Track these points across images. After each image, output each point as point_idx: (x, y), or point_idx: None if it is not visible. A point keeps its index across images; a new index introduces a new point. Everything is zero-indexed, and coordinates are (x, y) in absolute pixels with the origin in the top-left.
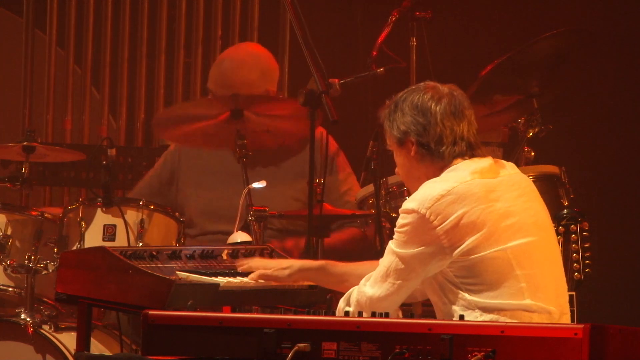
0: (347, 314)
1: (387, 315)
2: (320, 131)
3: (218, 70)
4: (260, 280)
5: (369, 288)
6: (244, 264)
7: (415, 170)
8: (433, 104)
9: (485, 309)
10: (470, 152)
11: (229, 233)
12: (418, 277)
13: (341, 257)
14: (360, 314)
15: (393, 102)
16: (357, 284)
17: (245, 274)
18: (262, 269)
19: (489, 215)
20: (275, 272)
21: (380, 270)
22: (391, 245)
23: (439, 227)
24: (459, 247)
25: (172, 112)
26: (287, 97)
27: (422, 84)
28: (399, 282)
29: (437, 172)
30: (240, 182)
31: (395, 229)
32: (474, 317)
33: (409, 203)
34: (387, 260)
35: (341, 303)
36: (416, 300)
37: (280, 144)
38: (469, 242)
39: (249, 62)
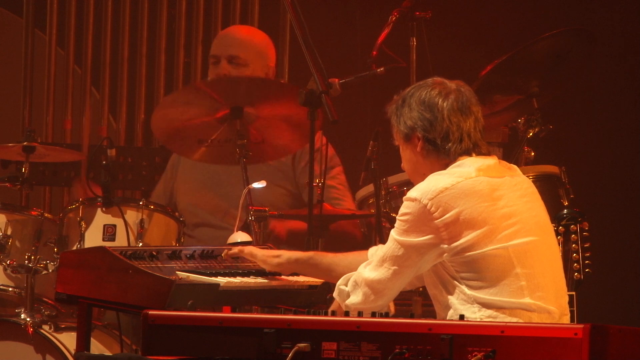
0: (347, 314)
1: (387, 315)
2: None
3: (223, 33)
4: (269, 277)
5: (367, 271)
6: (235, 250)
7: (420, 166)
8: (440, 100)
9: (485, 305)
10: (477, 149)
11: (215, 226)
12: (414, 266)
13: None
14: (360, 314)
15: (400, 97)
16: (345, 273)
17: (245, 273)
18: (251, 251)
19: (491, 213)
20: (264, 257)
21: (379, 255)
22: (392, 232)
23: (438, 220)
24: (457, 241)
25: (171, 107)
26: (287, 83)
27: (429, 79)
28: (394, 267)
29: (442, 169)
30: (228, 176)
31: (397, 217)
32: (472, 311)
33: (412, 192)
34: (387, 245)
35: (340, 280)
36: (405, 288)
37: (277, 157)
38: (468, 238)
39: (254, 31)
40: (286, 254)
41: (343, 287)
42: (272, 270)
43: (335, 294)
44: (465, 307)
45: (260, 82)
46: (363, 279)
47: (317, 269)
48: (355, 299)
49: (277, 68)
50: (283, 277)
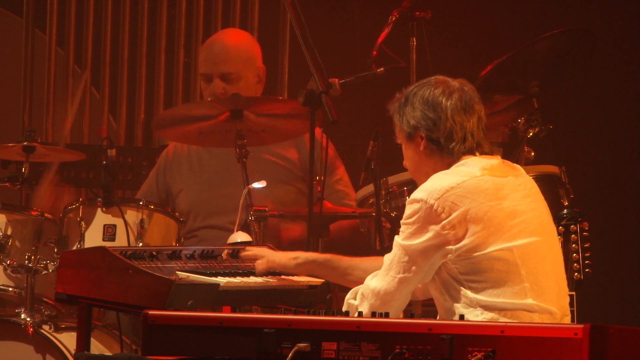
0: (347, 313)
1: (387, 315)
2: (320, 132)
3: (209, 49)
4: (269, 277)
5: (373, 281)
6: (250, 251)
7: (423, 165)
8: (444, 99)
9: (487, 308)
10: (480, 148)
11: (218, 227)
12: (420, 271)
13: (340, 250)
14: (360, 314)
15: (403, 96)
16: (361, 278)
17: (245, 273)
18: (269, 257)
19: (496, 212)
20: (283, 261)
21: (385, 263)
22: (397, 238)
23: (445, 221)
24: (463, 241)
25: (172, 113)
26: (287, 98)
27: (432, 78)
28: (400, 275)
29: (446, 168)
30: (228, 173)
31: (401, 221)
32: (474, 315)
33: (417, 193)
34: (392, 253)
35: (349, 294)
36: (417, 299)
37: (277, 141)
38: (473, 237)
39: (237, 37)
40: (303, 255)
41: (352, 301)
42: (291, 272)
43: (344, 308)
44: (467, 310)
45: (260, 99)
46: (370, 290)
47: (335, 271)
48: (362, 311)
49: (275, 65)
50: (283, 277)
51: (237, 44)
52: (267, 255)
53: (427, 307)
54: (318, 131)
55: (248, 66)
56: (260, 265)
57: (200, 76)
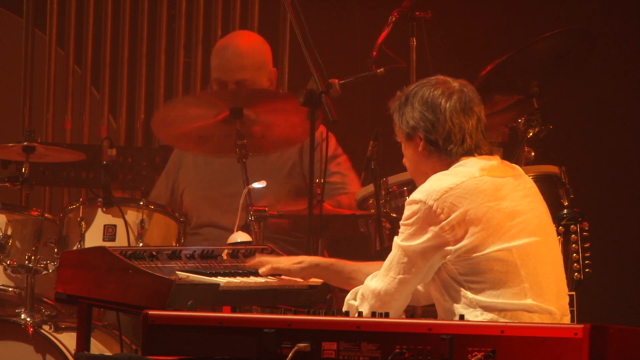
0: (347, 314)
1: (387, 315)
2: (321, 131)
3: (223, 55)
4: (269, 277)
5: (373, 282)
6: (254, 260)
7: (422, 165)
8: (443, 101)
9: (487, 308)
10: (478, 150)
11: (220, 226)
12: (420, 272)
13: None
14: (360, 314)
15: (404, 95)
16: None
17: (245, 273)
18: (274, 263)
19: (495, 213)
20: (287, 266)
21: (385, 264)
22: (396, 239)
23: (444, 222)
24: (462, 242)
25: (171, 111)
26: (287, 92)
27: (433, 78)
28: (400, 276)
29: (445, 169)
30: (233, 172)
31: (400, 222)
32: (474, 315)
33: (416, 194)
34: (392, 254)
35: (349, 295)
36: (419, 304)
37: (277, 150)
38: (473, 238)
39: (251, 42)
40: (307, 259)
41: (352, 301)
42: (297, 276)
43: (344, 309)
44: (467, 311)
45: (261, 92)
46: (370, 290)
47: (339, 275)
48: (362, 312)
49: (275, 65)
50: (283, 277)
51: (250, 50)
52: (271, 261)
53: (427, 307)
54: (322, 129)
55: (261, 71)
56: (264, 271)
57: (214, 80)
